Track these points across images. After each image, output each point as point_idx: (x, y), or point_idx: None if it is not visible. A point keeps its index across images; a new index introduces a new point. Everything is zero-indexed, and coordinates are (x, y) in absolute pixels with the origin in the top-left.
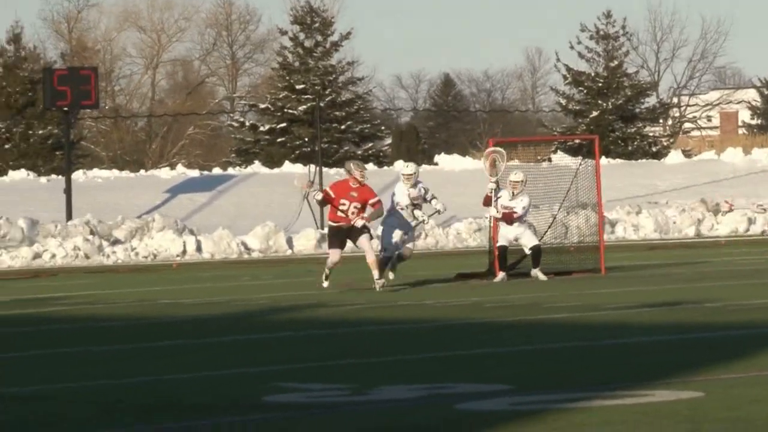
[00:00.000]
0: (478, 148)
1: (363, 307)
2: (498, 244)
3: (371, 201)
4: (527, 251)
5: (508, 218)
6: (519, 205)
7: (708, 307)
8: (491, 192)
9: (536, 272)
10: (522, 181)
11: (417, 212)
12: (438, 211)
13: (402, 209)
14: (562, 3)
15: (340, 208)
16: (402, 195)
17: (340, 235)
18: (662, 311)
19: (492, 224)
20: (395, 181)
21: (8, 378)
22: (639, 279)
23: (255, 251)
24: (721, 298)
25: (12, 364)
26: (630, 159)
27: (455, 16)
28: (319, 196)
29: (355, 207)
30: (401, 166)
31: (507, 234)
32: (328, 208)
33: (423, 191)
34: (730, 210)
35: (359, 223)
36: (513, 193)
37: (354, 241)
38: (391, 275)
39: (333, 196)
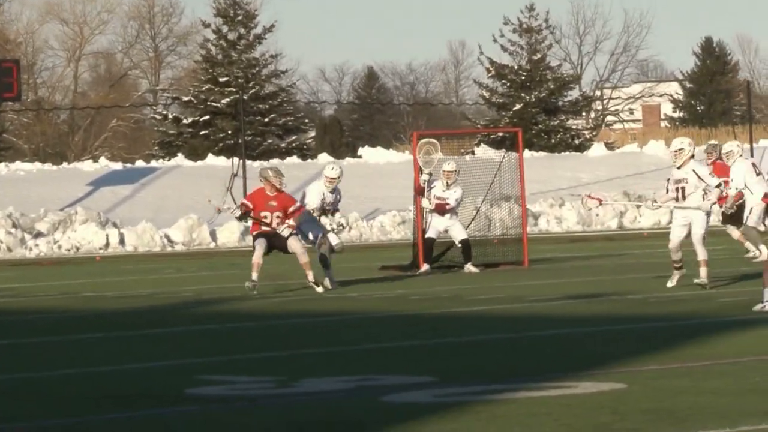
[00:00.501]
0: (401, 141)
1: (288, 299)
2: (426, 236)
3: (291, 209)
4: (457, 244)
5: (441, 209)
6: (452, 196)
7: (630, 299)
8: (424, 183)
9: (469, 267)
10: (455, 171)
11: (324, 219)
12: (341, 225)
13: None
14: None
15: (263, 221)
16: (315, 196)
17: (266, 240)
18: (585, 303)
19: (417, 216)
20: (318, 175)
21: None
22: (562, 271)
23: (178, 244)
24: (643, 290)
25: None
26: (553, 152)
27: (379, 9)
28: (238, 212)
29: (276, 216)
30: (327, 168)
31: (437, 225)
32: (249, 224)
33: (338, 199)
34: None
35: (286, 232)
36: (447, 183)
37: (282, 248)
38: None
39: (251, 206)
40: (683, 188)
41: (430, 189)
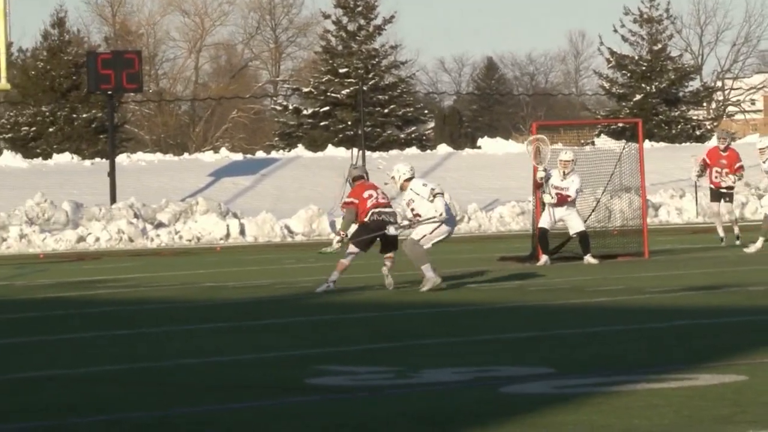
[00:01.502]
0: (521, 132)
1: (407, 290)
2: (539, 226)
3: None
4: (573, 235)
5: (562, 200)
6: (572, 187)
7: (751, 290)
8: (542, 180)
9: (588, 258)
10: (572, 161)
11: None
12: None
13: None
14: None
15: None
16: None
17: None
18: (705, 295)
19: (536, 208)
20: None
21: (55, 360)
22: (682, 263)
23: (298, 234)
24: (765, 281)
25: (58, 347)
26: (673, 142)
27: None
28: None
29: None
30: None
31: (554, 214)
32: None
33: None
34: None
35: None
36: (564, 173)
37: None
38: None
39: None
40: None
41: (547, 182)
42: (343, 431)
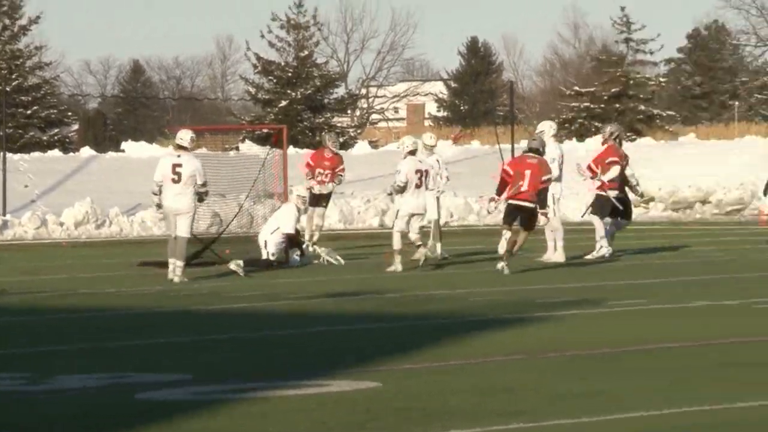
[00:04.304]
0: (166, 136)
1: (48, 295)
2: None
3: None
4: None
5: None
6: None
7: (388, 297)
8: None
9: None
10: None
11: None
12: None
13: None
14: None
15: None
16: None
17: None
18: (343, 301)
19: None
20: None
21: None
22: (322, 268)
23: None
24: (401, 288)
25: None
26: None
27: (146, 1)
28: None
29: None
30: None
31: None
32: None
33: None
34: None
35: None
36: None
37: None
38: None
39: None
40: None
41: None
42: None
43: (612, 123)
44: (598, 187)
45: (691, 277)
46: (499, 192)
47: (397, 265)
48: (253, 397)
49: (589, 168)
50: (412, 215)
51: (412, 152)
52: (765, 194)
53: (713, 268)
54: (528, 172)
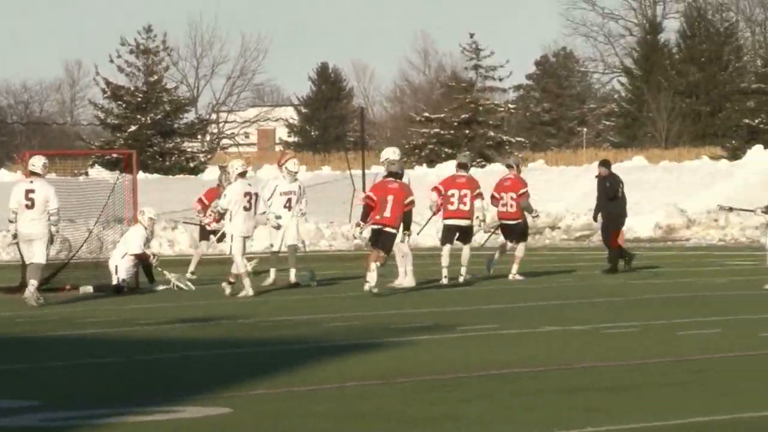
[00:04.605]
0: (14, 161)
1: None
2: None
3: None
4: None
5: None
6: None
7: (240, 323)
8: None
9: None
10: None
11: None
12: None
13: None
14: (103, 15)
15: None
16: None
17: None
18: (195, 327)
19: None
20: None
21: None
22: (174, 294)
23: None
24: (254, 314)
25: None
26: (168, 174)
27: None
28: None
29: None
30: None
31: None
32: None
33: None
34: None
35: None
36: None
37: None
38: None
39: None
40: None
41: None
42: None
43: (510, 154)
44: (449, 215)
45: (542, 302)
46: (364, 217)
47: (248, 290)
48: (103, 423)
49: (493, 197)
50: (244, 238)
51: (242, 174)
52: (595, 219)
53: (564, 293)
54: (390, 198)
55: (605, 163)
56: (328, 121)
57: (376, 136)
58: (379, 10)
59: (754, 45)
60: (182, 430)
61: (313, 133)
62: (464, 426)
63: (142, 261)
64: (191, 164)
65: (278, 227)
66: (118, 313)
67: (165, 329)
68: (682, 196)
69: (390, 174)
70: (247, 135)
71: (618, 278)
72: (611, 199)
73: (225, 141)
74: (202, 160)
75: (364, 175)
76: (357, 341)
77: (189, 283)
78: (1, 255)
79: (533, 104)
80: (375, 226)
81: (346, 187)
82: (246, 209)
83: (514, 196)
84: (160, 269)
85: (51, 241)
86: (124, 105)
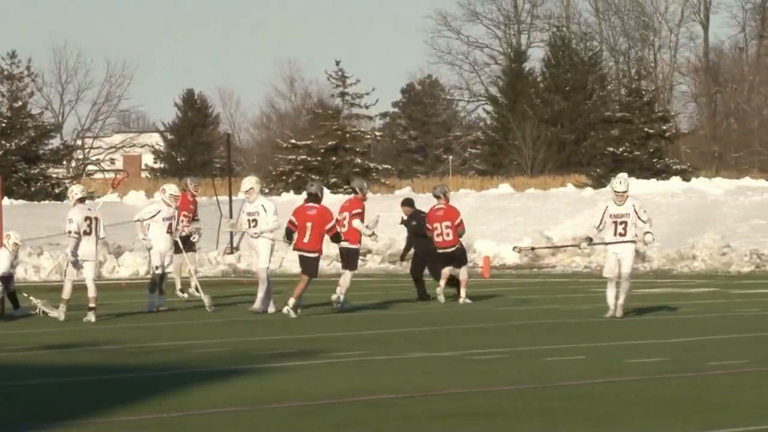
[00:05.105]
0: None
1: None
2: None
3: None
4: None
5: None
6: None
7: (107, 349)
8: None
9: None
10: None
11: None
12: None
13: None
14: None
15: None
16: None
17: None
18: (59, 353)
19: None
20: None
21: None
22: (39, 321)
23: None
24: (123, 340)
25: None
26: (33, 200)
27: None
28: None
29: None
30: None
31: None
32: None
33: None
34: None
35: None
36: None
37: None
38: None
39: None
40: None
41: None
42: None
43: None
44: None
45: (412, 328)
46: (288, 238)
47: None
48: None
49: (428, 230)
50: (84, 261)
51: (81, 200)
52: (402, 259)
53: (434, 319)
54: (309, 225)
55: (408, 202)
56: (195, 147)
57: (243, 162)
58: (245, 37)
59: (618, 74)
60: None
61: (179, 159)
62: None
63: (7, 287)
64: (57, 190)
65: (150, 248)
66: None
67: (30, 355)
68: (548, 223)
69: (309, 196)
70: (113, 161)
71: (487, 304)
72: (422, 236)
73: (91, 167)
74: (68, 186)
75: (231, 201)
76: (225, 367)
77: (56, 310)
78: None
79: (400, 131)
80: (297, 251)
81: (212, 213)
82: (86, 233)
83: (449, 224)
84: (26, 294)
85: None
86: None
